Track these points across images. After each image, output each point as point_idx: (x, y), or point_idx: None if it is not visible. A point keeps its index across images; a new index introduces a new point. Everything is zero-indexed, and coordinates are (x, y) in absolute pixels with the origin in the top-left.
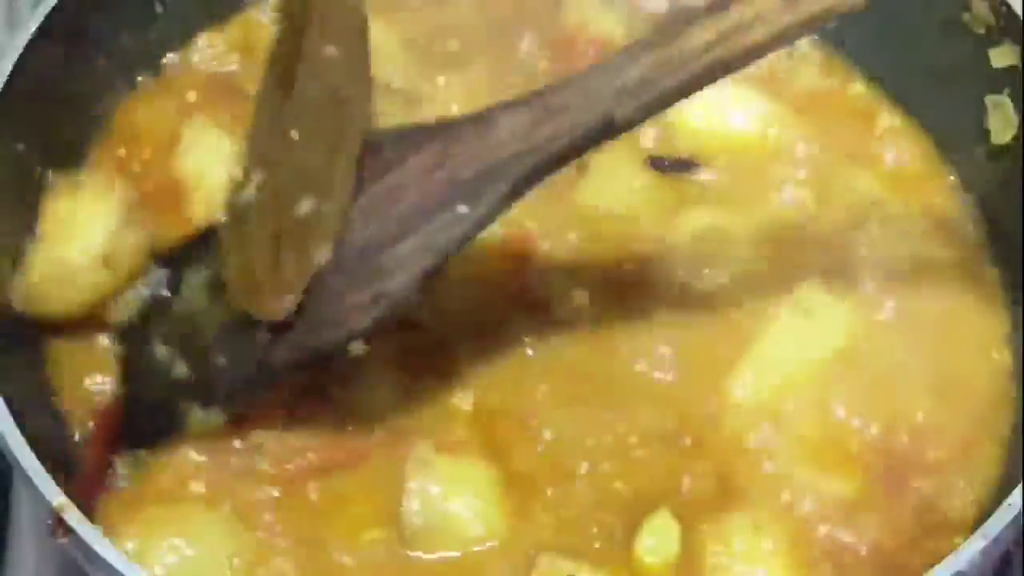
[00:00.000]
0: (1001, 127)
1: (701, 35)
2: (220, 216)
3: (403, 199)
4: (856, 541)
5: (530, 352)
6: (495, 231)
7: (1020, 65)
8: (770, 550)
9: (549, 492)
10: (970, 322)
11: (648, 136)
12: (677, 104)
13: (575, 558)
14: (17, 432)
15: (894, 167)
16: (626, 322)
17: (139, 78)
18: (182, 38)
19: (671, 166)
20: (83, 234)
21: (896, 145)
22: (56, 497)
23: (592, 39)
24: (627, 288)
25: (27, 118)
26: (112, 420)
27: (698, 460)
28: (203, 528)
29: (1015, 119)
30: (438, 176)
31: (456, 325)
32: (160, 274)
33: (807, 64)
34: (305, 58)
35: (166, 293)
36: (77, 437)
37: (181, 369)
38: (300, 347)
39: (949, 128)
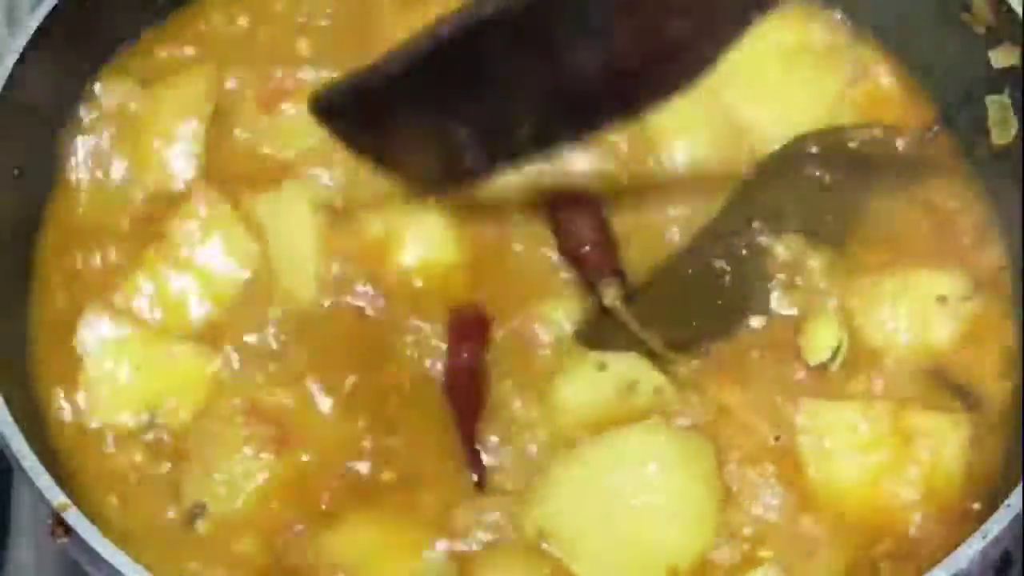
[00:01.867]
0: (1002, 127)
1: None
2: None
3: None
4: None
5: None
6: None
7: (1020, 65)
8: None
9: None
10: None
11: None
12: None
13: None
14: (17, 432)
15: None
16: None
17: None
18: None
19: None
20: None
21: None
22: (56, 497)
23: None
24: None
25: (28, 118)
26: None
27: None
28: None
29: (1015, 119)
30: None
31: None
32: None
33: None
34: None
35: None
36: None
37: None
38: None
39: (949, 128)
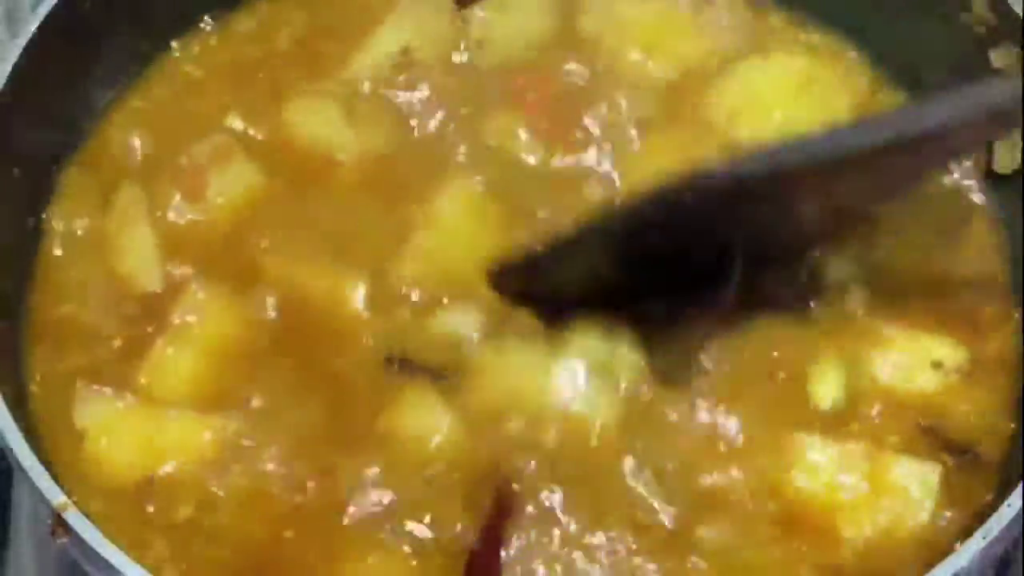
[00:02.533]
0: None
1: None
2: None
3: None
4: None
5: None
6: None
7: (1020, 65)
8: None
9: None
10: None
11: None
12: None
13: None
14: (17, 432)
15: None
16: None
17: (140, 77)
18: (183, 37)
19: None
20: None
21: None
22: (56, 497)
23: None
24: None
25: (28, 118)
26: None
27: None
28: None
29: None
30: None
31: None
32: None
33: None
34: None
35: None
36: None
37: None
38: None
39: None
